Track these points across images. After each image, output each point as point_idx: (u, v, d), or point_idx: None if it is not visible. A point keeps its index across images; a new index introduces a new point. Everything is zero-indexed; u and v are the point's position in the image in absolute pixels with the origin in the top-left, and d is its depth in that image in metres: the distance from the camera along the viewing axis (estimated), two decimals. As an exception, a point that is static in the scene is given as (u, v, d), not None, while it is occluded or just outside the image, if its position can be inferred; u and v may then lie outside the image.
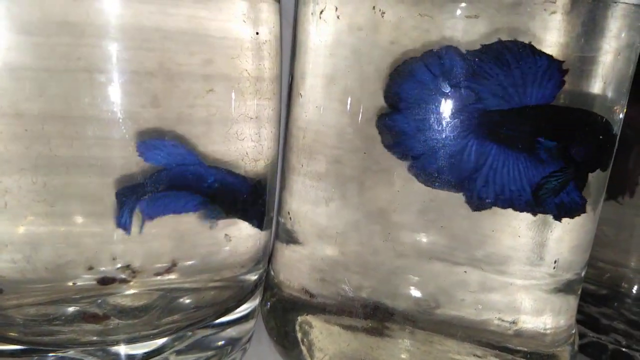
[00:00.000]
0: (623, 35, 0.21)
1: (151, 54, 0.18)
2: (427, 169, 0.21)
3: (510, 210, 0.21)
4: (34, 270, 0.19)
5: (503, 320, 0.22)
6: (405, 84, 0.20)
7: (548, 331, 0.23)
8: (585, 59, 0.20)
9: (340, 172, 0.23)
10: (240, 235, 0.23)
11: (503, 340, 0.22)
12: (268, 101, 0.23)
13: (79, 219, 0.19)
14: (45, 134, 0.18)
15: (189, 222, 0.21)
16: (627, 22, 0.20)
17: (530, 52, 0.19)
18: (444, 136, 0.20)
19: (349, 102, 0.22)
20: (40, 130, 0.18)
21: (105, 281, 0.20)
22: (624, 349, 0.29)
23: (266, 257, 0.27)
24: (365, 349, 0.23)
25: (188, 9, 0.19)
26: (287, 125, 0.27)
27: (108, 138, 0.18)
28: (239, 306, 0.25)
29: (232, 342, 0.25)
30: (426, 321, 0.22)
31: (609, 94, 0.21)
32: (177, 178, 0.20)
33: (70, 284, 0.20)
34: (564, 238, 0.22)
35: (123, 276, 0.20)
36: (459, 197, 0.21)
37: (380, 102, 0.21)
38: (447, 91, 0.20)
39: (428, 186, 0.21)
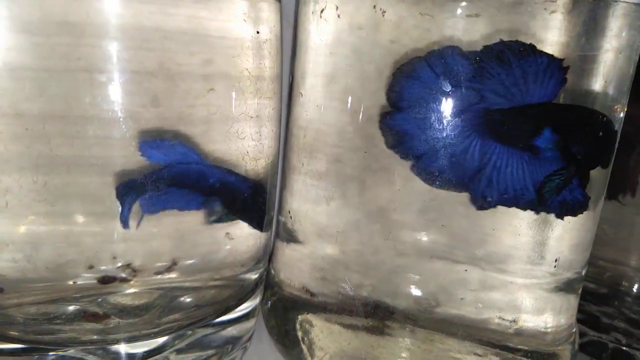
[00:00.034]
0: (624, 34, 0.21)
1: (151, 54, 0.18)
2: (429, 168, 0.21)
3: (511, 209, 0.21)
4: (34, 269, 0.19)
5: (504, 319, 0.22)
6: (408, 83, 0.20)
7: (549, 330, 0.23)
8: (586, 58, 0.20)
9: (340, 171, 0.23)
10: (241, 234, 0.23)
11: (503, 339, 0.22)
12: (269, 100, 0.23)
13: (80, 218, 0.19)
14: (45, 133, 0.18)
15: (189, 221, 0.21)
16: (627, 21, 0.20)
17: (531, 51, 0.19)
18: (446, 135, 0.20)
19: (349, 101, 0.22)
20: (40, 129, 0.18)
21: (105, 280, 0.20)
22: (624, 348, 0.29)
23: (267, 256, 0.27)
24: (366, 347, 0.23)
25: (188, 9, 0.19)
26: (288, 124, 0.27)
27: (108, 138, 0.18)
28: (239, 305, 0.25)
29: (233, 341, 0.25)
30: (427, 320, 0.22)
31: (610, 93, 0.21)
32: (178, 176, 0.20)
33: (71, 283, 0.20)
34: (564, 237, 0.22)
35: (123, 275, 0.20)
36: (459, 196, 0.21)
37: (380, 101, 0.21)
38: (450, 90, 0.20)
39: (430, 186, 0.21)
